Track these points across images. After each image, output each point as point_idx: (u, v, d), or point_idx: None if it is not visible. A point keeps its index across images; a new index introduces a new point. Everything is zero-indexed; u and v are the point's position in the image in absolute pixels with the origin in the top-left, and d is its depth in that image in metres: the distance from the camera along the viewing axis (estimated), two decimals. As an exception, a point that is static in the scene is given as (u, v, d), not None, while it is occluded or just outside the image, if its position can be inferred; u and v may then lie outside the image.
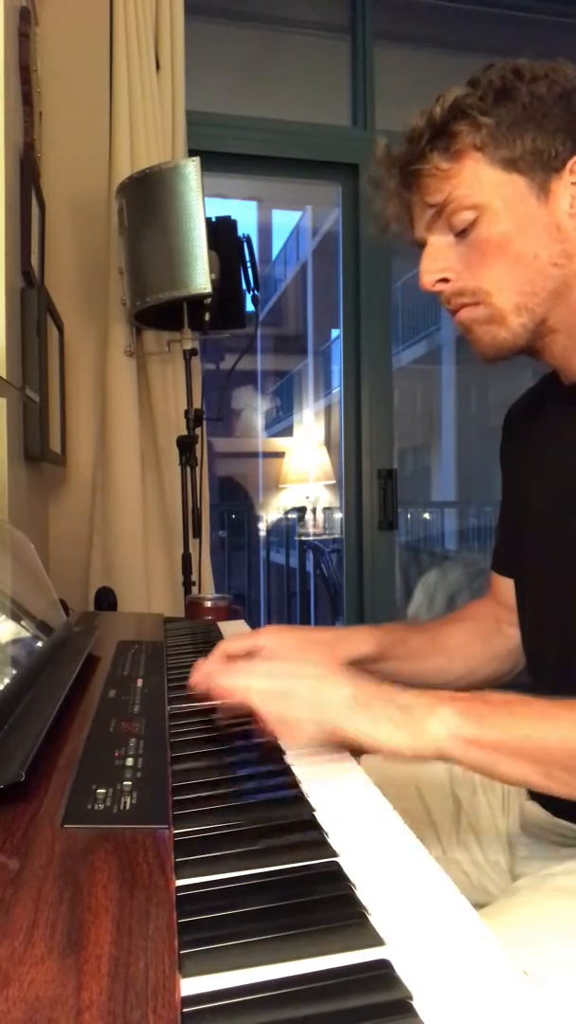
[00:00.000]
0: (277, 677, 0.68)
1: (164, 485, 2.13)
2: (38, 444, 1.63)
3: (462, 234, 0.78)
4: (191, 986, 0.35)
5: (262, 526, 6.19)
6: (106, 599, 1.84)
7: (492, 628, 1.01)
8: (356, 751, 0.68)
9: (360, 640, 0.92)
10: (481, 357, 0.83)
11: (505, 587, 0.99)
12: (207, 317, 1.83)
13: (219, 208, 2.34)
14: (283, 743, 0.66)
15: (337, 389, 4.16)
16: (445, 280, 0.80)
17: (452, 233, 0.79)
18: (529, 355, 0.84)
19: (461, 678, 0.99)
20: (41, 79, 1.96)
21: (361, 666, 0.93)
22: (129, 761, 0.60)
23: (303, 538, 5.73)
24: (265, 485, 8.28)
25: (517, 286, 0.77)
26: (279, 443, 8.84)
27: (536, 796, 0.89)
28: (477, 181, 0.76)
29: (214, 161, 2.08)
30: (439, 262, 0.80)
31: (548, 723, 0.61)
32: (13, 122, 1.55)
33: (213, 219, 1.88)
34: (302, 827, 0.52)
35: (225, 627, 1.26)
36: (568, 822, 0.84)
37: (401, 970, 0.37)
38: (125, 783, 0.56)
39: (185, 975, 0.36)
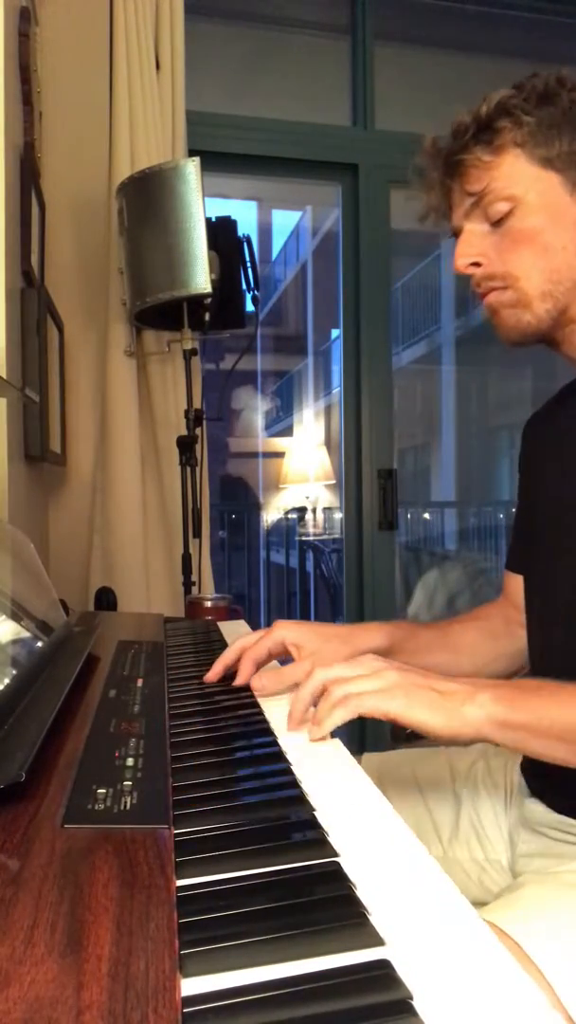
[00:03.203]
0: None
1: (164, 485, 2.13)
2: (38, 444, 1.63)
3: (497, 224, 0.83)
4: (192, 986, 0.35)
5: (262, 526, 6.18)
6: (106, 599, 1.84)
7: (501, 628, 1.03)
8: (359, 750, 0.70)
9: (371, 634, 0.95)
10: (504, 340, 0.88)
11: (517, 586, 1.01)
12: (207, 317, 1.83)
13: (219, 208, 2.34)
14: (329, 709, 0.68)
15: (337, 389, 4.16)
16: (477, 264, 0.85)
17: (488, 222, 0.84)
18: (548, 344, 0.88)
19: (468, 674, 1.00)
20: (41, 79, 1.96)
21: None
22: (129, 761, 0.60)
23: (303, 538, 5.73)
24: (265, 485, 8.27)
25: (544, 273, 0.82)
26: (279, 443, 8.83)
27: (538, 793, 0.90)
28: (515, 175, 0.81)
29: (214, 161, 2.08)
30: (473, 247, 0.85)
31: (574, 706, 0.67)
32: (13, 122, 1.55)
33: (213, 219, 1.88)
34: (302, 827, 0.52)
35: (225, 627, 1.26)
36: (570, 818, 0.84)
37: (401, 970, 0.37)
38: (125, 783, 0.56)
39: (186, 975, 0.36)
